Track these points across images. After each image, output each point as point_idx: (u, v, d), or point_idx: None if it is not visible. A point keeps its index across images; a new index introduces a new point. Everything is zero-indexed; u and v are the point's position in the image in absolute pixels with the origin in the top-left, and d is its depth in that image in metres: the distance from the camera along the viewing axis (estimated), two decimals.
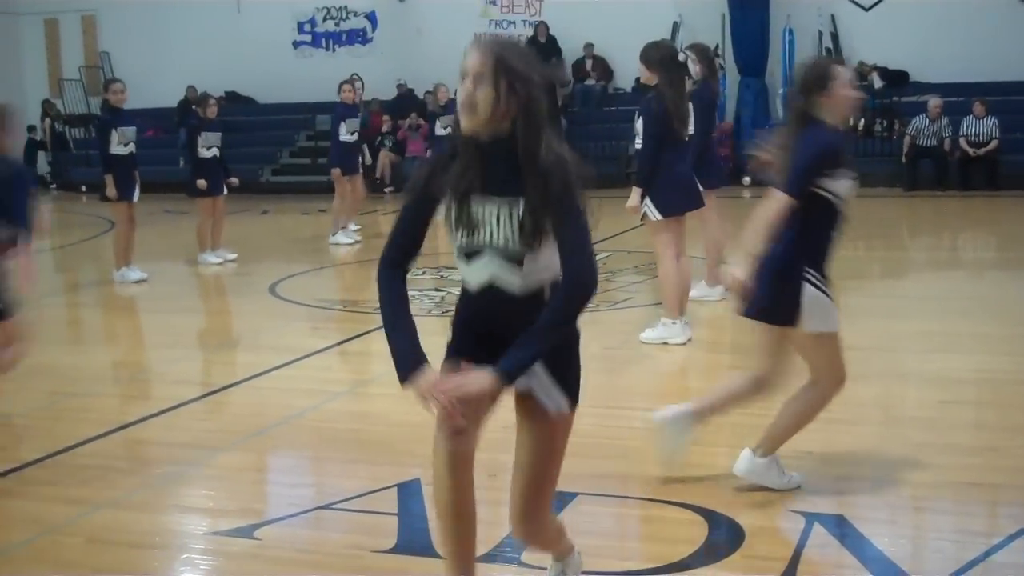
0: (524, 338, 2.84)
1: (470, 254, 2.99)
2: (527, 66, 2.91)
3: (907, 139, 16.94)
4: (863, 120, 17.89)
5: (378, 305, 3.01)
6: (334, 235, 13.19)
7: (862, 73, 18.66)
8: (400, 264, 3.05)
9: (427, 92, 16.66)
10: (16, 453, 5.27)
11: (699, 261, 8.65)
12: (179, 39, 22.22)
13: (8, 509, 4.63)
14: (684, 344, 7.10)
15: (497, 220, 2.92)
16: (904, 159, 16.93)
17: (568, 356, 3.05)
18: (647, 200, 6.96)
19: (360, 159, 14.43)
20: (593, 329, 8.28)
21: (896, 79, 18.52)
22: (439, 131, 15.42)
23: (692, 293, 8.11)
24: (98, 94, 15.07)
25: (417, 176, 3.03)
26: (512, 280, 2.96)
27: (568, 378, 3.04)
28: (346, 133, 13.22)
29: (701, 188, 7.65)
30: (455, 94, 2.93)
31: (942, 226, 13.98)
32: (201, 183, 11.49)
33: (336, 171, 13.30)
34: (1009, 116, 16.85)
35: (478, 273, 3.00)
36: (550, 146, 2.87)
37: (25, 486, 4.85)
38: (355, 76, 14.50)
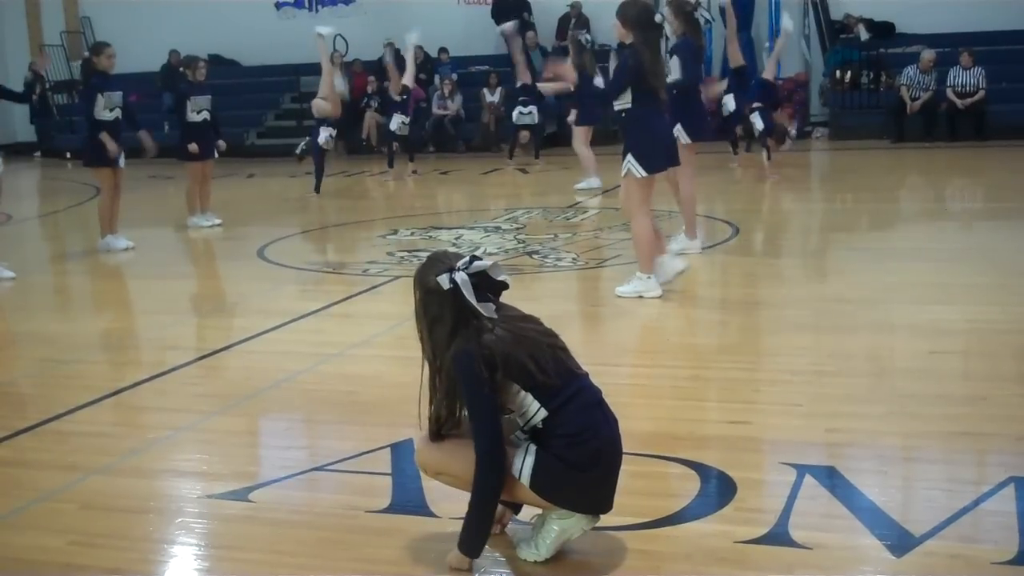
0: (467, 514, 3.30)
1: None
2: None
3: (903, 89, 16.85)
4: (850, 72, 17.83)
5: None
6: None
7: (848, 25, 18.58)
8: None
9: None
10: (8, 421, 5.25)
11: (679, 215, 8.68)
12: (161, 2, 22.00)
13: (1, 477, 4.63)
14: (659, 297, 7.14)
15: None
16: (908, 111, 16.81)
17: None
18: (630, 156, 6.95)
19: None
20: (581, 286, 8.30)
21: (882, 31, 18.43)
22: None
23: (672, 246, 8.19)
24: (80, 60, 14.85)
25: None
26: None
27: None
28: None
29: (689, 140, 7.86)
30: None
31: (930, 177, 13.96)
32: (193, 147, 11.43)
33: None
34: (995, 66, 16.80)
35: None
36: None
37: (18, 454, 4.85)
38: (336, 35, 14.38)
